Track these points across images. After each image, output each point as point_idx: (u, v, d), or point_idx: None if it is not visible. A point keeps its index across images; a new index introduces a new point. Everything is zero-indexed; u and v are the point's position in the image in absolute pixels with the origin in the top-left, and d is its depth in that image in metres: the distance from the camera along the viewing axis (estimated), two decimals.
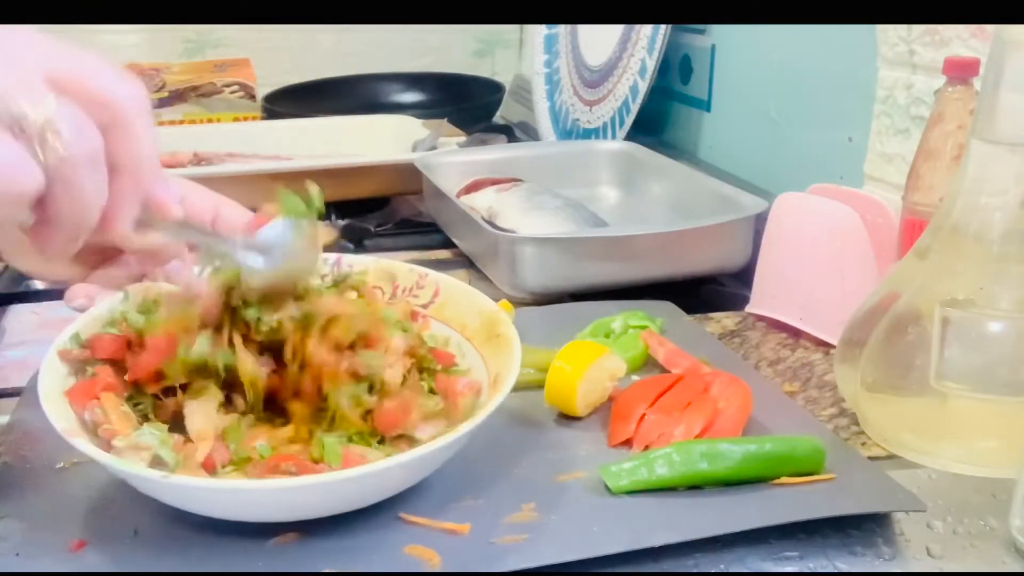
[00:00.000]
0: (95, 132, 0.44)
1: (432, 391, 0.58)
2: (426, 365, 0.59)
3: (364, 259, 0.65)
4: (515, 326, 0.77)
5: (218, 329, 0.54)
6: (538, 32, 1.48)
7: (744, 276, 0.89)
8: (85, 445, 0.48)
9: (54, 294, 0.85)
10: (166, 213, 0.49)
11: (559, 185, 1.08)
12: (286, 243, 0.54)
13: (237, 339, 0.54)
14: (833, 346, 0.72)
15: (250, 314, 0.54)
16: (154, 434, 0.51)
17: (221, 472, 0.52)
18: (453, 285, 0.63)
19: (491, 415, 0.52)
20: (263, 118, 1.55)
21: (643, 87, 1.19)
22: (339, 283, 0.60)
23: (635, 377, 0.69)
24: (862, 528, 0.53)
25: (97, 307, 0.57)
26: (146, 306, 0.56)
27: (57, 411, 0.51)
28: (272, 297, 0.54)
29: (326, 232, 0.56)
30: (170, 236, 0.54)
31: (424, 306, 0.62)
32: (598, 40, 1.32)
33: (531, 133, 1.50)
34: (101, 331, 0.56)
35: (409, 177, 1.12)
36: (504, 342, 0.59)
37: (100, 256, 0.57)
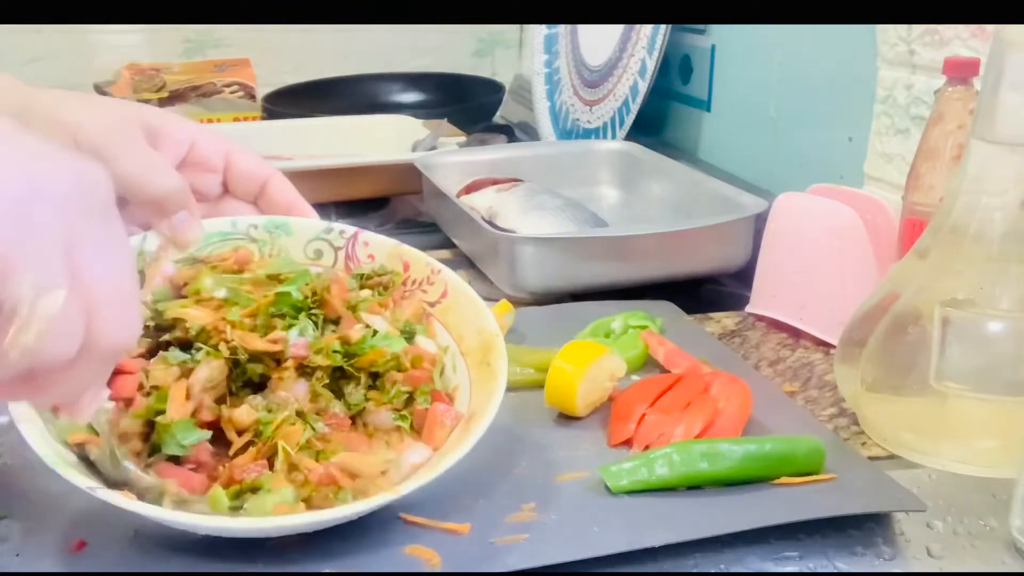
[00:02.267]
0: (74, 340, 0.40)
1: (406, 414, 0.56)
2: (421, 391, 0.57)
3: (381, 240, 0.63)
4: (515, 326, 0.78)
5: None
6: (538, 32, 1.48)
7: (744, 276, 0.89)
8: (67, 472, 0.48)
9: None
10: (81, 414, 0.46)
11: (559, 185, 1.08)
12: None
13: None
14: (833, 346, 0.72)
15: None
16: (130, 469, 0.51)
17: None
18: (462, 290, 0.61)
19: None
20: (263, 118, 1.55)
21: (643, 87, 1.19)
22: (363, 281, 0.60)
23: (635, 377, 0.69)
24: (862, 528, 0.53)
25: None
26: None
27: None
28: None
29: None
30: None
31: (431, 304, 0.61)
32: (598, 40, 1.32)
33: (531, 133, 1.50)
34: None
35: (409, 177, 1.12)
36: (491, 375, 0.56)
37: None
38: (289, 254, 0.61)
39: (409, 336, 0.58)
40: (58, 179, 0.39)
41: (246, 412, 0.52)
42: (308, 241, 0.61)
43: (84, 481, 0.47)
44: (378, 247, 0.63)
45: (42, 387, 0.41)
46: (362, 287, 0.60)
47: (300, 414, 0.53)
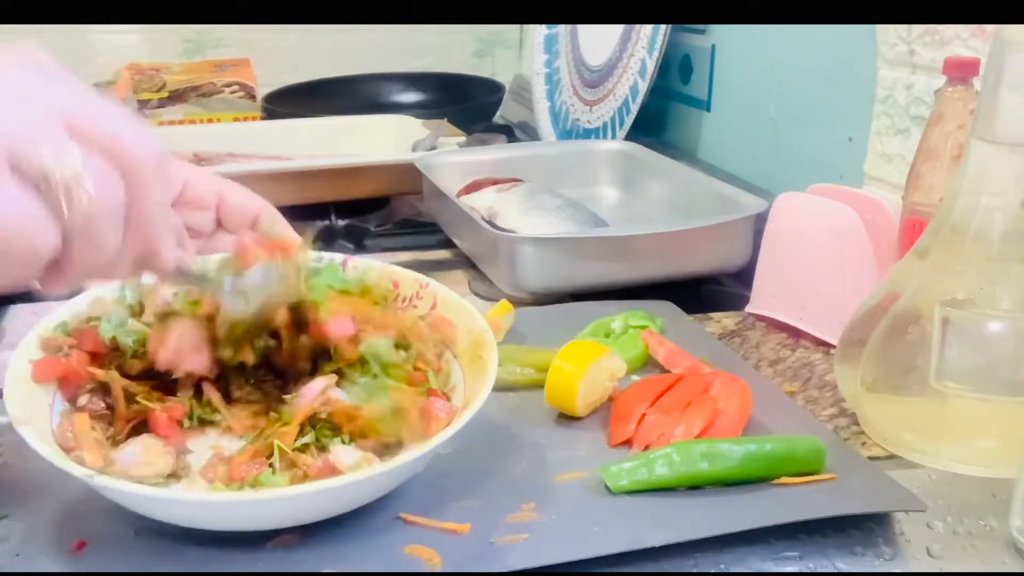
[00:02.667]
0: (119, 186, 0.43)
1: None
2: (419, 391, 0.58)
3: (369, 261, 0.65)
4: (515, 326, 0.78)
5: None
6: (538, 32, 1.48)
7: (744, 276, 0.89)
8: (27, 432, 0.50)
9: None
10: (165, 266, 0.49)
11: (559, 185, 1.08)
12: (267, 286, 0.56)
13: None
14: (833, 346, 0.72)
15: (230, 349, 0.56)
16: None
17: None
18: (450, 298, 0.63)
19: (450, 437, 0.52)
20: (263, 118, 1.55)
21: (643, 87, 1.19)
22: (363, 291, 0.61)
23: (635, 377, 0.69)
24: (862, 528, 0.53)
25: (84, 297, 0.58)
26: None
27: (14, 395, 0.52)
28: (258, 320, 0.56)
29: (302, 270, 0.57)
30: (168, 283, 0.55)
31: (422, 317, 0.62)
32: (598, 40, 1.32)
33: (531, 133, 1.50)
34: (86, 324, 0.57)
35: (409, 177, 1.12)
36: (482, 366, 0.58)
37: None
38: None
39: (406, 348, 0.59)
40: (35, 59, 0.44)
41: (244, 417, 0.53)
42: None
43: (81, 470, 0.49)
44: (367, 269, 0.64)
45: (132, 243, 0.45)
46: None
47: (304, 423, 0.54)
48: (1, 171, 0.40)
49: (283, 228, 0.62)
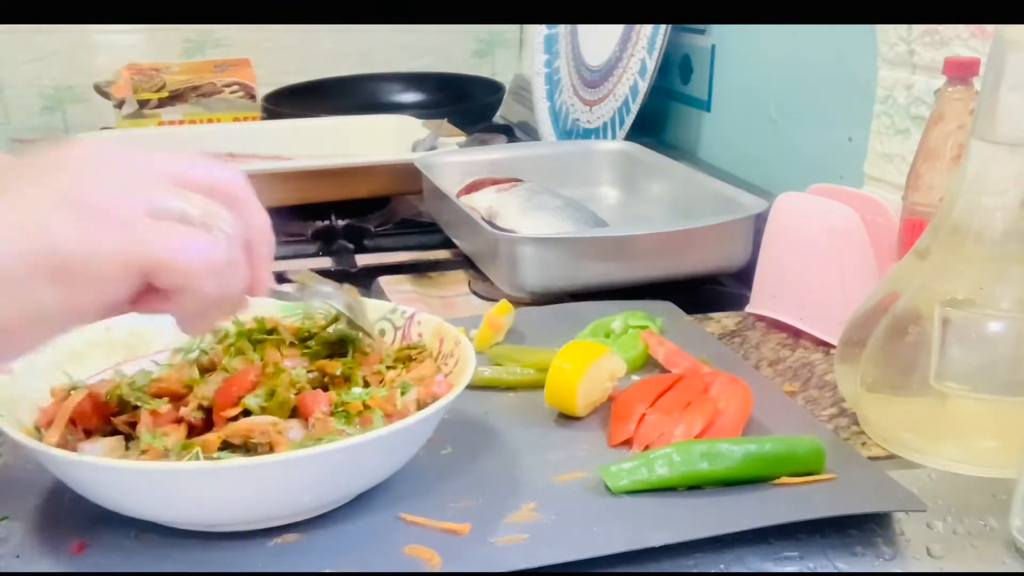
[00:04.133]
0: (235, 215, 0.47)
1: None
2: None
3: (429, 319, 0.64)
4: (515, 326, 0.78)
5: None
6: (538, 32, 1.48)
7: (744, 276, 0.89)
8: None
9: None
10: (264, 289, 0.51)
11: (559, 185, 1.08)
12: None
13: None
14: (833, 346, 0.72)
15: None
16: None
17: None
18: (468, 354, 0.60)
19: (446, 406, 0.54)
20: (263, 118, 1.55)
21: (643, 87, 1.19)
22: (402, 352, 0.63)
23: (635, 377, 0.69)
24: (862, 528, 0.53)
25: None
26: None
27: None
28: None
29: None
30: (287, 299, 0.58)
31: (446, 374, 0.61)
32: (598, 40, 1.32)
33: (531, 133, 1.50)
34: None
35: (409, 177, 1.12)
36: (462, 351, 0.60)
37: None
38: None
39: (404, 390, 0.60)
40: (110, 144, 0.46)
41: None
42: (376, 320, 0.65)
43: (34, 443, 0.50)
44: (427, 326, 0.64)
45: (242, 284, 0.48)
46: (393, 365, 0.62)
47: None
48: (152, 219, 0.44)
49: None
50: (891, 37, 0.89)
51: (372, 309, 0.65)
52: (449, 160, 1.14)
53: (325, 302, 0.60)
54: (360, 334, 0.61)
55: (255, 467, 0.48)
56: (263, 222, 0.49)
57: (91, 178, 0.44)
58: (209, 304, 0.46)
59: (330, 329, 0.62)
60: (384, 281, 0.96)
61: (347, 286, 0.63)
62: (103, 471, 0.49)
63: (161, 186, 0.45)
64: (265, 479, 0.49)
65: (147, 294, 0.45)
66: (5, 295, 0.42)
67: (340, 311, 0.61)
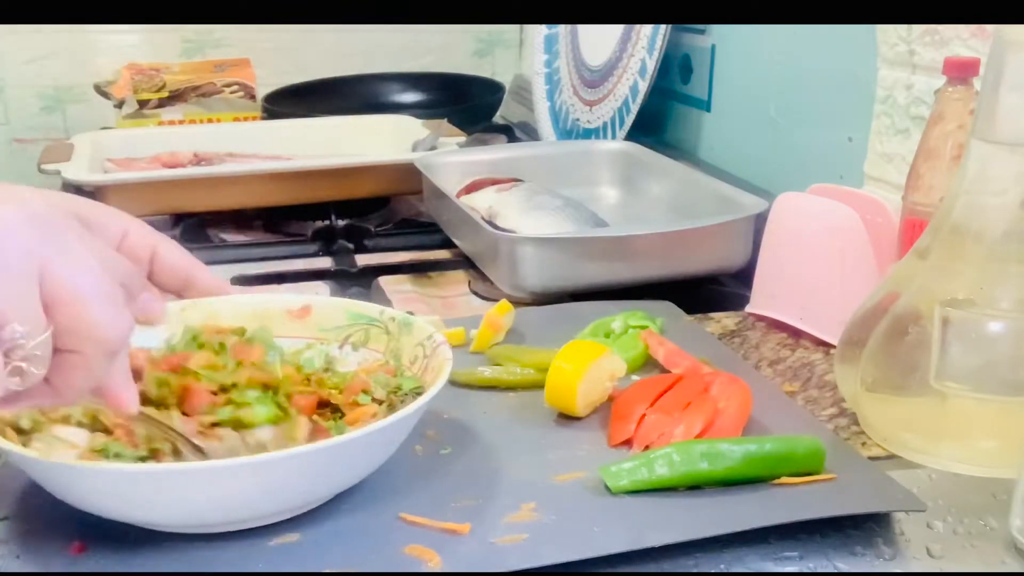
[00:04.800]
0: (76, 355, 0.44)
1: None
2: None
3: (447, 354, 0.61)
4: (515, 326, 0.78)
5: None
6: (538, 32, 1.48)
7: (744, 276, 0.89)
8: None
9: None
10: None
11: (559, 185, 1.08)
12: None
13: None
14: (833, 346, 0.72)
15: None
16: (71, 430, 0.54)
17: None
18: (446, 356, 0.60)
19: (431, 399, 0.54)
20: (263, 118, 1.55)
21: (643, 87, 1.19)
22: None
23: (635, 377, 0.69)
24: (862, 528, 0.53)
25: None
26: None
27: None
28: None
29: None
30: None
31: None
32: (598, 40, 1.32)
33: (531, 133, 1.50)
34: None
35: (409, 177, 1.12)
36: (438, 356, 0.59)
37: None
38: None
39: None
40: (14, 213, 0.43)
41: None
42: (416, 343, 0.63)
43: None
44: (443, 359, 0.61)
45: (57, 392, 0.45)
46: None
47: None
48: None
49: (221, 285, 0.62)
50: (891, 37, 0.89)
51: (417, 329, 0.62)
52: (449, 160, 1.14)
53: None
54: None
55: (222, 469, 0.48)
56: (99, 371, 0.45)
57: None
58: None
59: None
60: (384, 281, 0.96)
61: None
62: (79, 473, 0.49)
63: (18, 298, 0.41)
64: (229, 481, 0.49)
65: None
66: None
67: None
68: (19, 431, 0.54)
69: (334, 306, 0.66)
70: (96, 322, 0.44)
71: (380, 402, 0.59)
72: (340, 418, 0.58)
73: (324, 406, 0.59)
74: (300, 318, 0.66)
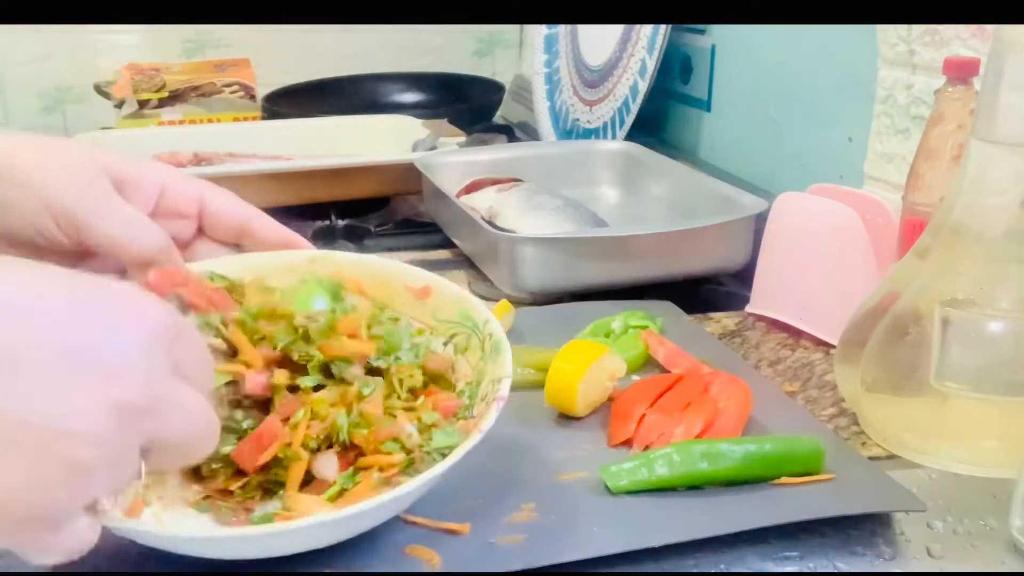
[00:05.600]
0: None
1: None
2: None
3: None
4: (515, 326, 0.78)
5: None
6: (538, 32, 1.48)
7: (744, 276, 0.89)
8: None
9: None
10: None
11: (559, 185, 1.08)
12: None
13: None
14: (833, 346, 0.72)
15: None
16: None
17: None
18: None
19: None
20: (263, 118, 1.55)
21: (643, 87, 1.19)
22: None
23: (635, 377, 0.69)
24: (862, 528, 0.53)
25: None
26: None
27: None
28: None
29: None
30: None
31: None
32: (598, 40, 1.32)
33: (531, 133, 1.50)
34: None
35: (409, 177, 1.12)
36: (496, 345, 0.56)
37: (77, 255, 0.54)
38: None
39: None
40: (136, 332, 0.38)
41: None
42: (492, 380, 0.57)
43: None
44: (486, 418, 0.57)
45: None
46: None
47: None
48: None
49: (281, 231, 0.59)
50: (891, 37, 0.89)
51: (501, 362, 0.55)
52: (449, 160, 1.14)
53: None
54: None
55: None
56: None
57: (34, 382, 0.34)
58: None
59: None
60: None
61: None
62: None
63: (144, 359, 0.37)
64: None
65: None
66: None
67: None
68: None
69: (451, 296, 0.60)
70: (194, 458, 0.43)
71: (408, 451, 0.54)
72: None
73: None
74: (420, 298, 0.60)
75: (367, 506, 0.45)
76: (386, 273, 0.61)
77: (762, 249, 0.83)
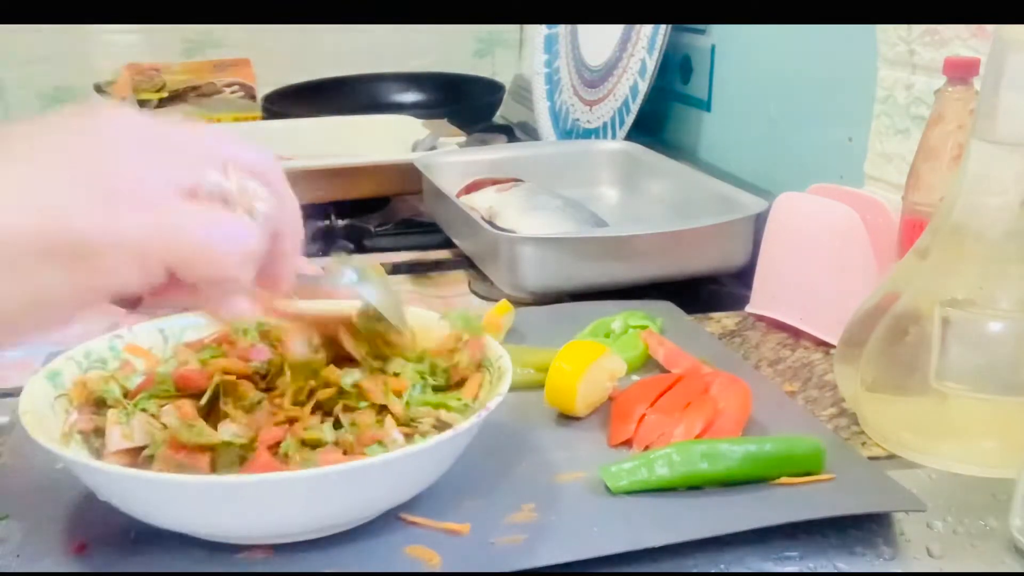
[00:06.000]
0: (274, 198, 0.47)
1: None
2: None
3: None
4: (515, 326, 0.78)
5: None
6: (538, 32, 1.48)
7: (744, 276, 0.89)
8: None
9: None
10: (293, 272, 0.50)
11: (559, 185, 1.08)
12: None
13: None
14: (833, 346, 0.72)
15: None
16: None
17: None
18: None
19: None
20: (263, 118, 1.55)
21: (643, 87, 1.19)
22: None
23: (635, 377, 0.69)
24: (862, 528, 0.53)
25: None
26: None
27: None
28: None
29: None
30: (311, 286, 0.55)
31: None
32: (598, 40, 1.32)
33: (531, 133, 1.50)
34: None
35: (409, 177, 1.12)
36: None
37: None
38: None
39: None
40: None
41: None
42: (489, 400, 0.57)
43: (84, 455, 0.50)
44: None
45: (292, 260, 0.48)
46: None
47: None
48: (187, 200, 0.42)
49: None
50: (891, 37, 0.89)
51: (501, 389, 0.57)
52: (449, 160, 1.14)
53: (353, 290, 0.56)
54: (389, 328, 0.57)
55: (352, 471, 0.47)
56: (295, 211, 0.47)
57: (120, 151, 0.40)
58: (239, 292, 0.44)
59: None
60: None
61: (374, 264, 0.59)
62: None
63: (198, 163, 0.43)
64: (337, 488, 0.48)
65: (170, 286, 0.42)
66: (8, 276, 0.38)
67: (367, 303, 0.56)
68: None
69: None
70: (268, 163, 0.46)
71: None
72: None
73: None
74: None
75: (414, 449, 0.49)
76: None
77: (762, 249, 0.83)
